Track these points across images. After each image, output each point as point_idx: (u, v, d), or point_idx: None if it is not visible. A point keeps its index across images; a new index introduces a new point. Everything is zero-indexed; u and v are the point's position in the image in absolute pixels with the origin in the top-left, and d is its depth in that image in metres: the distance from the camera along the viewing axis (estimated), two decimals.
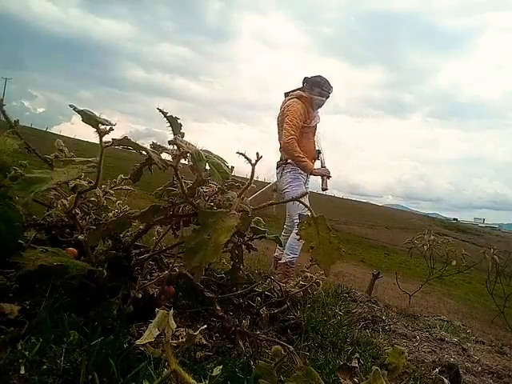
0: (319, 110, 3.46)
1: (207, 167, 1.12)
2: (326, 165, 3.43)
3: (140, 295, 1.20)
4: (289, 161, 3.26)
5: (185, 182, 1.20)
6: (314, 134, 3.41)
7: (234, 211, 1.06)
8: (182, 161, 1.11)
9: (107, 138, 1.04)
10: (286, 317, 1.69)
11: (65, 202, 1.25)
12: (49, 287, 1.03)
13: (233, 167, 1.23)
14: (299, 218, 1.19)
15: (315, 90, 3.37)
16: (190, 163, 1.09)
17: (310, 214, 1.20)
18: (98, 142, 1.04)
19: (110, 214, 1.49)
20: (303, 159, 3.17)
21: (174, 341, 0.69)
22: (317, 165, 3.42)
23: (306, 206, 1.29)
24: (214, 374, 0.75)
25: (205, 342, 1.23)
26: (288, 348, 1.31)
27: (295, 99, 3.31)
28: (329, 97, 3.47)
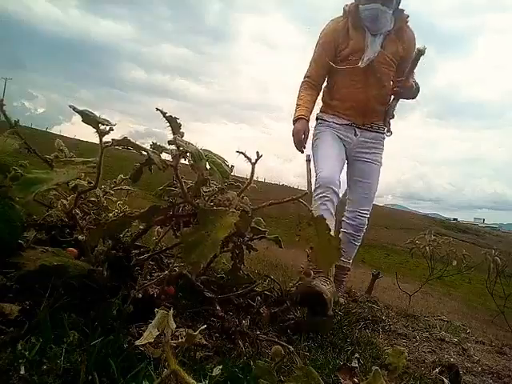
0: (380, 35, 1.98)
1: (207, 166, 1.12)
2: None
3: (140, 295, 1.20)
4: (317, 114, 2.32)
5: (185, 182, 1.21)
6: (372, 75, 2.05)
7: (233, 209, 1.07)
8: (182, 161, 1.11)
9: (107, 138, 1.04)
10: (285, 317, 1.69)
11: (65, 202, 1.26)
12: (49, 287, 1.03)
13: (233, 166, 1.23)
14: (299, 218, 1.19)
15: None
16: (191, 162, 1.10)
17: (310, 213, 1.20)
18: (98, 142, 1.04)
19: (110, 215, 1.49)
20: (296, 107, 2.17)
21: (174, 341, 0.69)
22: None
23: (306, 206, 1.29)
24: (213, 373, 0.75)
25: (205, 342, 1.23)
26: (288, 348, 1.31)
27: (335, 18, 2.13)
28: (392, 2, 1.93)
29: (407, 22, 2.04)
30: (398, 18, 2.01)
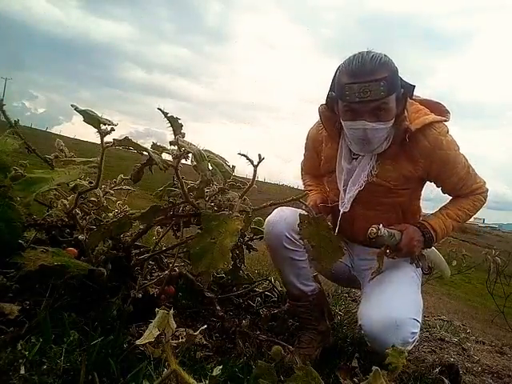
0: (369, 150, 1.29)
1: (210, 167, 1.12)
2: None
3: (140, 295, 1.20)
4: None
5: (185, 183, 1.20)
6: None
7: (237, 213, 1.06)
8: (183, 161, 1.11)
9: (108, 138, 1.04)
10: (285, 317, 1.69)
11: (65, 202, 1.25)
12: (49, 287, 1.03)
13: (234, 166, 1.23)
14: (299, 218, 1.18)
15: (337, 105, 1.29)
16: (194, 163, 1.10)
17: (309, 214, 1.20)
18: (99, 142, 1.04)
19: (110, 215, 1.49)
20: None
21: (174, 341, 0.69)
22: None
23: (306, 206, 1.28)
24: (214, 373, 0.75)
25: (205, 342, 1.23)
26: (288, 348, 1.31)
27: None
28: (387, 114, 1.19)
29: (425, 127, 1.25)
30: (399, 130, 1.25)
